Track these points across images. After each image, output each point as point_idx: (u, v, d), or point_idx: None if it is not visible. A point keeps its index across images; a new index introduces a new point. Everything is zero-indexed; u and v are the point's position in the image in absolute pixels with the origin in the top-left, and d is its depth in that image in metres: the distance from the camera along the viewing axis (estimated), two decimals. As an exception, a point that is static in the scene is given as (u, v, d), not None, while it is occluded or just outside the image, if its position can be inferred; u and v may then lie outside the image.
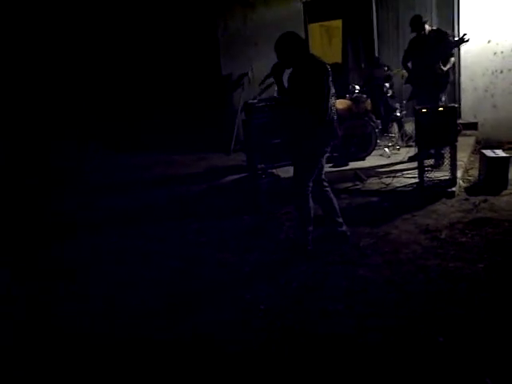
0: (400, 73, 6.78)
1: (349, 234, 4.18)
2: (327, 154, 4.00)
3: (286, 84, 3.86)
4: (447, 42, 5.82)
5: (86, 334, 3.14)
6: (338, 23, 8.71)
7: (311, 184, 3.90)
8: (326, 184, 4.11)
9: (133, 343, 2.98)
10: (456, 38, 6.02)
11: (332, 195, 4.14)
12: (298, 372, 2.56)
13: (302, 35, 8.38)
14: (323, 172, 4.09)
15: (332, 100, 3.89)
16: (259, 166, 6.27)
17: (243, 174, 6.54)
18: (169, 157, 8.51)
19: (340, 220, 4.16)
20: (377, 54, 8.04)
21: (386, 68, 6.99)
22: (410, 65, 6.27)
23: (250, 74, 8.57)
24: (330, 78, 3.75)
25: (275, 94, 6.69)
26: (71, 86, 9.65)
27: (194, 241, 4.61)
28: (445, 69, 5.77)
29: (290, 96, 3.81)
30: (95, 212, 5.87)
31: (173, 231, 4.92)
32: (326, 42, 10.18)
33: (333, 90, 3.85)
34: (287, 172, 6.33)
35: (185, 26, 9.15)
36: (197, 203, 5.82)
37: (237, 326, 3.05)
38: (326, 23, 9.49)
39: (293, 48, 3.78)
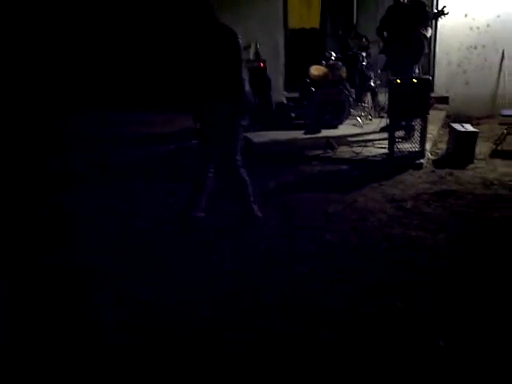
0: None
1: None
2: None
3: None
4: (425, 13, 5.80)
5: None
6: (317, -13, 8.54)
7: (239, 157, 3.71)
8: None
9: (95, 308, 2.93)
10: (435, 10, 6.01)
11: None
12: (264, 334, 2.61)
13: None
14: None
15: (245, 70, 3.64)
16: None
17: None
18: (143, 116, 8.31)
19: None
20: (355, 22, 7.97)
21: (363, 39, 6.92)
22: (385, 34, 6.21)
23: None
24: (241, 47, 3.53)
25: None
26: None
27: (163, 201, 4.58)
28: (427, 34, 5.75)
29: (205, 69, 3.54)
30: (76, 168, 5.74)
31: (142, 190, 4.87)
32: (304, 6, 9.98)
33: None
34: (259, 136, 6.33)
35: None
36: (167, 163, 5.75)
37: (204, 288, 3.06)
38: (305, -14, 9.28)
39: (199, 10, 3.48)
